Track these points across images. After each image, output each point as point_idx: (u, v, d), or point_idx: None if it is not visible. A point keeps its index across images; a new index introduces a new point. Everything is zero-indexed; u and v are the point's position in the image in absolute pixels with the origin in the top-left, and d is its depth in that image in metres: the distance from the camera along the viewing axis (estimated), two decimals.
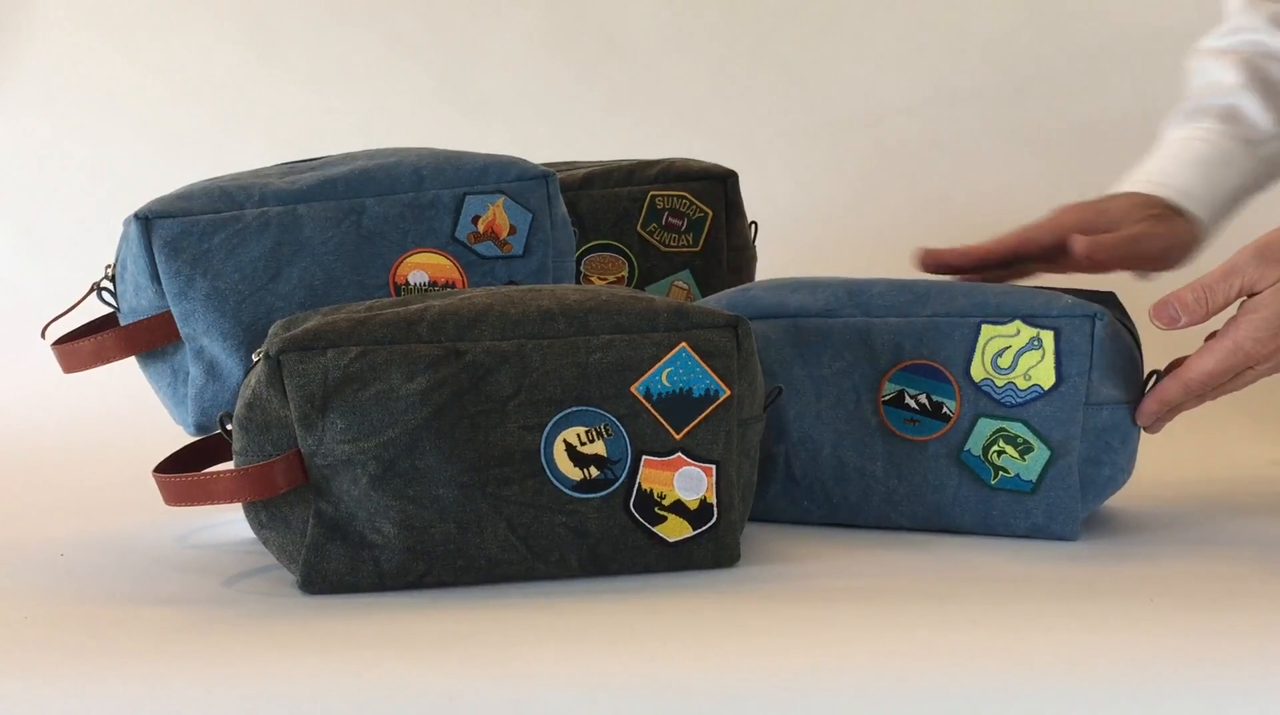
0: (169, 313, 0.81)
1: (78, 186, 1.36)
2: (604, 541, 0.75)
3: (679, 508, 0.75)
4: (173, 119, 1.38)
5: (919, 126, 1.38)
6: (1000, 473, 0.81)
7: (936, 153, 1.38)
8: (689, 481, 0.75)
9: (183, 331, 0.81)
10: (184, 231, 0.81)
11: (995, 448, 0.80)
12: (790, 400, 0.85)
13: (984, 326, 0.81)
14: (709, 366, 0.75)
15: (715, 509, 0.76)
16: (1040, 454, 0.80)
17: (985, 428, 0.81)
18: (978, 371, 0.81)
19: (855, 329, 0.84)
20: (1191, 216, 0.92)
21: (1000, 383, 0.80)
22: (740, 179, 1.00)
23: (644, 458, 0.74)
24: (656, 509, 0.75)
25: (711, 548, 0.76)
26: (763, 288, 0.88)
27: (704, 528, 0.76)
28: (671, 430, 0.75)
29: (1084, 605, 0.71)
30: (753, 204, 1.01)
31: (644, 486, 0.74)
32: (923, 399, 0.81)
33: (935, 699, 0.61)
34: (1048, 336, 0.80)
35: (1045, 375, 0.80)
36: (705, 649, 0.66)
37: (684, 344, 0.75)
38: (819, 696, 0.61)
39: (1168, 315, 0.79)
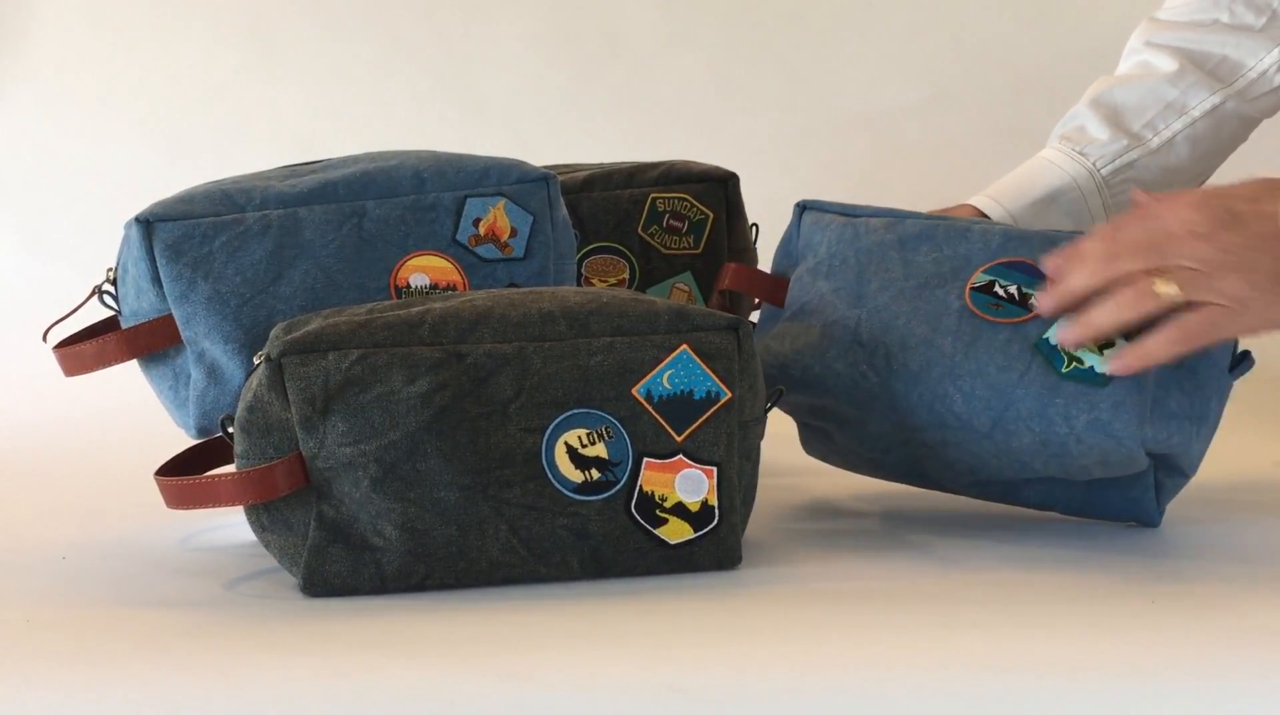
0: (170, 316, 0.81)
1: (79, 189, 1.36)
2: (605, 544, 0.74)
3: (680, 510, 0.75)
4: (174, 122, 1.38)
5: (919, 127, 1.38)
6: (1074, 363, 0.78)
7: (937, 154, 1.38)
8: (690, 483, 0.75)
9: (184, 334, 0.81)
10: (185, 234, 0.81)
11: None
12: (876, 275, 0.84)
13: None
14: (710, 368, 0.75)
15: (716, 511, 0.75)
16: (1120, 348, 0.77)
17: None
18: None
19: (960, 228, 0.84)
20: None
21: None
22: (741, 181, 1.00)
23: (645, 460, 0.74)
24: (658, 511, 0.75)
25: (713, 550, 0.76)
26: (880, 206, 0.89)
27: (705, 530, 0.75)
28: (673, 432, 0.75)
29: (1086, 606, 0.71)
30: (753, 206, 1.01)
31: (645, 488, 0.74)
32: (1012, 289, 0.80)
33: (937, 701, 0.61)
34: None
35: None
36: (706, 651, 0.66)
37: (685, 346, 0.75)
38: (821, 698, 0.61)
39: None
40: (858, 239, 0.86)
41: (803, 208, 0.91)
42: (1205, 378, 0.79)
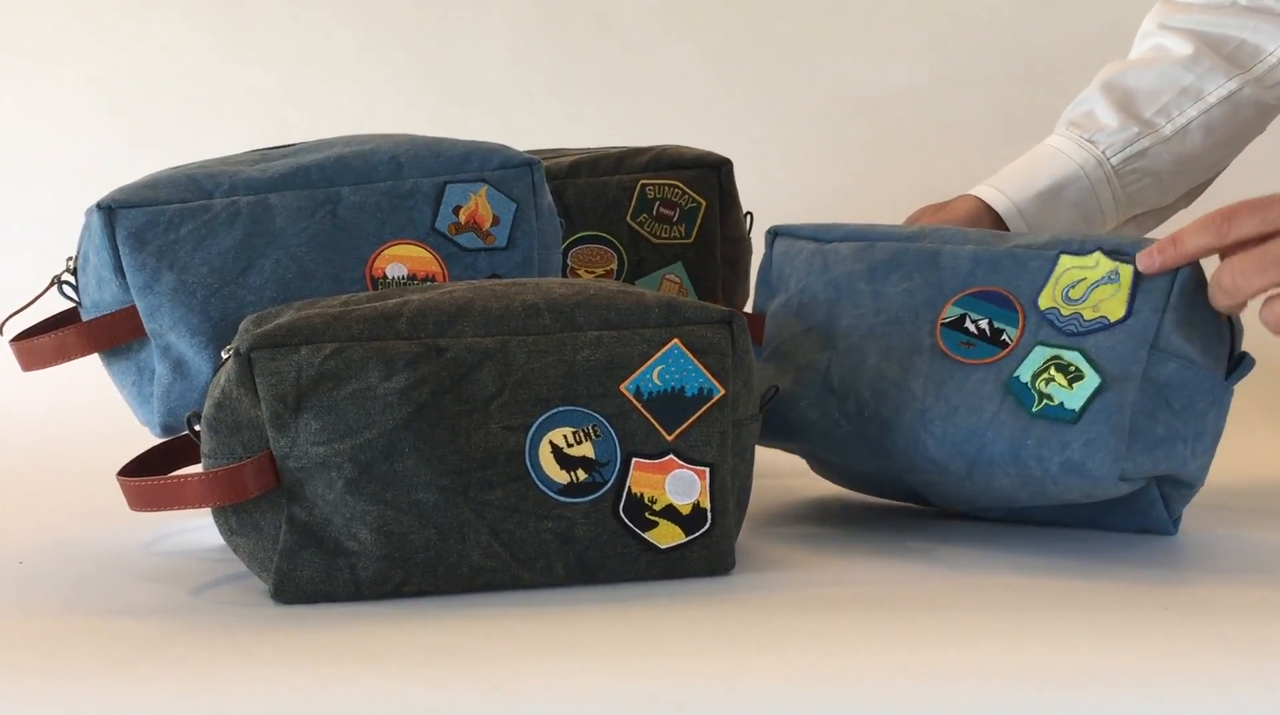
0: (133, 307, 0.81)
1: (37, 174, 1.36)
2: (592, 548, 0.74)
3: (671, 512, 0.75)
4: (139, 103, 1.37)
5: (921, 112, 1.38)
6: (1044, 400, 0.78)
7: (940, 140, 1.38)
8: (681, 485, 0.75)
9: (148, 327, 0.81)
10: (149, 222, 0.80)
11: (1045, 375, 0.79)
12: (846, 311, 0.85)
13: (1062, 256, 0.81)
14: (702, 364, 0.75)
15: (709, 514, 0.75)
16: (1089, 382, 0.78)
17: (1039, 355, 0.79)
18: (1046, 300, 0.80)
19: (929, 254, 0.84)
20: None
21: (1066, 312, 0.79)
22: (735, 167, 0.99)
23: (634, 460, 0.74)
24: (647, 514, 0.75)
25: (705, 555, 0.76)
26: (853, 223, 0.90)
27: (697, 534, 0.75)
28: (663, 431, 0.74)
29: (1095, 614, 0.71)
30: (748, 193, 1.01)
31: (634, 490, 0.74)
32: (983, 324, 0.81)
33: (941, 713, 0.61)
34: (1126, 271, 0.79)
35: (1115, 308, 0.79)
36: (698, 661, 0.65)
37: (676, 341, 0.75)
38: (818, 711, 0.61)
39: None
40: (827, 270, 0.87)
41: (774, 235, 0.92)
42: (1198, 392, 0.79)
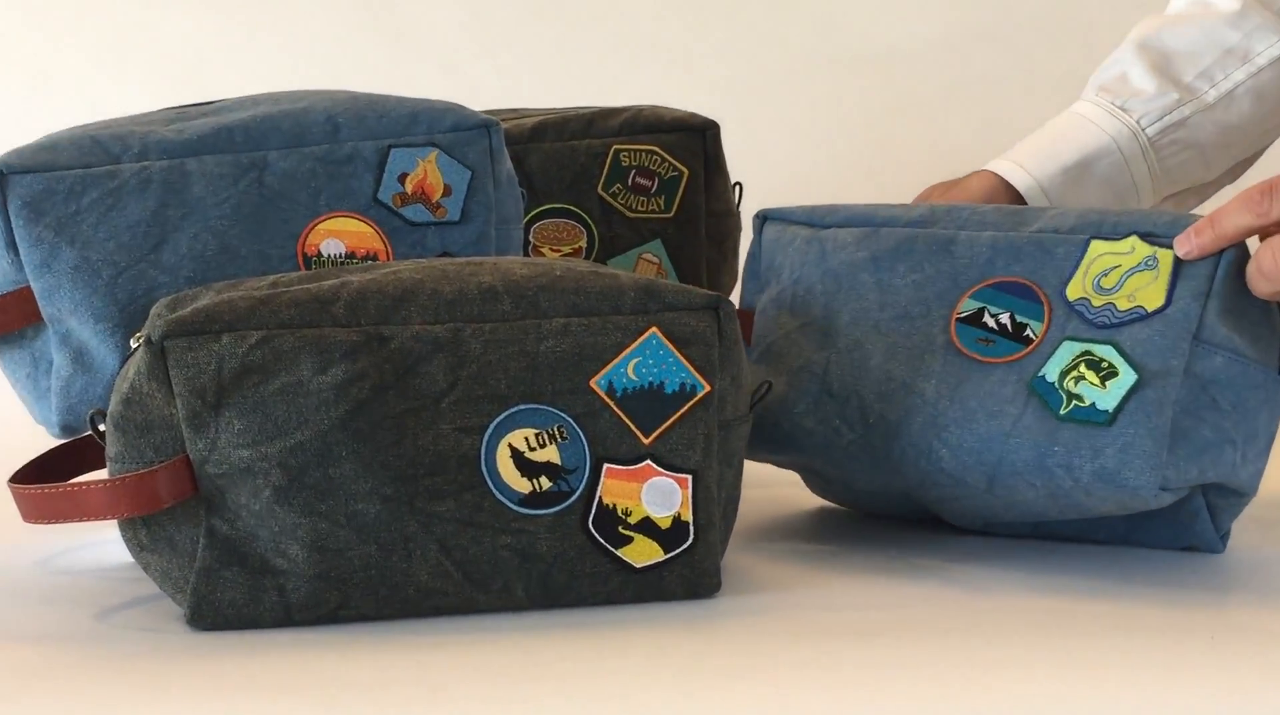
0: (28, 288, 0.80)
1: None
2: (557, 567, 0.74)
3: (648, 526, 0.74)
4: (33, 52, 1.35)
5: (933, 71, 1.38)
6: (1073, 402, 0.78)
7: (953, 103, 1.39)
8: (660, 495, 0.74)
9: (45, 311, 0.80)
10: (47, 189, 0.80)
11: (1074, 373, 0.78)
12: (847, 306, 0.85)
13: (1093, 242, 0.80)
14: (684, 356, 0.74)
15: (691, 528, 0.75)
16: (1124, 379, 0.77)
17: (1068, 351, 0.79)
18: (1075, 290, 0.80)
19: (942, 240, 0.84)
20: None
21: (1097, 303, 0.79)
22: (722, 131, 0.99)
23: (606, 466, 0.74)
24: (621, 528, 0.74)
25: (686, 574, 0.75)
26: (853, 205, 0.89)
27: (677, 551, 0.75)
28: (639, 433, 0.74)
29: (1130, 644, 0.71)
30: (736, 161, 1.01)
31: (605, 501, 0.74)
32: (1004, 318, 0.80)
33: None
34: (1165, 256, 0.79)
35: (1153, 297, 0.78)
36: (678, 695, 0.65)
37: (654, 329, 0.74)
38: None
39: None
40: (824, 260, 0.87)
41: (763, 219, 0.92)
42: (1248, 388, 0.78)
